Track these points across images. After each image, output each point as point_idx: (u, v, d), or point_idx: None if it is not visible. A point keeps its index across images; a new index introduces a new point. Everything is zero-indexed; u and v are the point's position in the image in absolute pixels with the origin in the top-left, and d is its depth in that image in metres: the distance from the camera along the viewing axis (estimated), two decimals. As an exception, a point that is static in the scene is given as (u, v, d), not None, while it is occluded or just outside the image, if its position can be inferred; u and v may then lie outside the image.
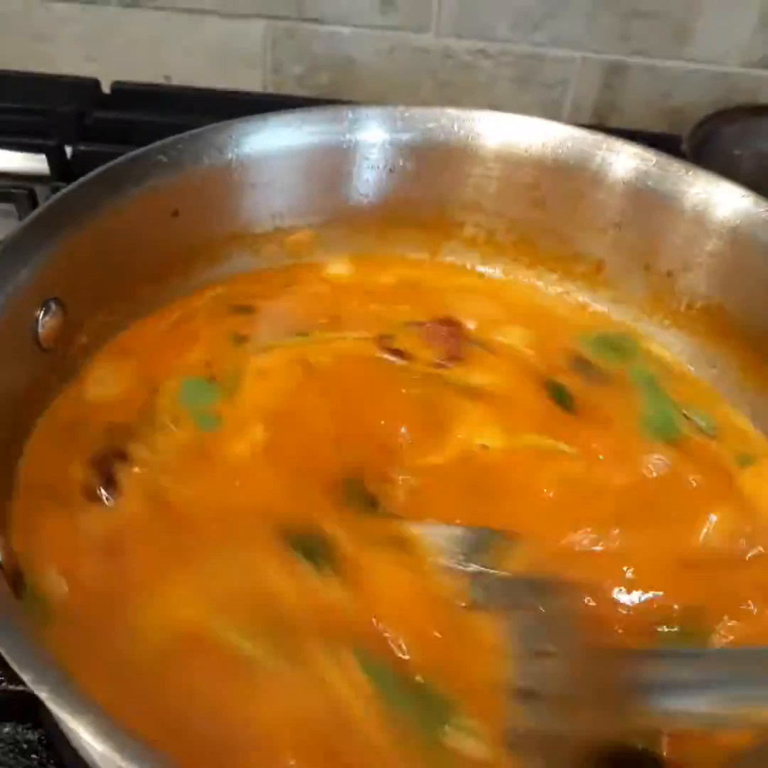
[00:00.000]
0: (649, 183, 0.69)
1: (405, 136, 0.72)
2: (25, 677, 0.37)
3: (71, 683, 0.38)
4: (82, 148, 1.00)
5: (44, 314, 0.58)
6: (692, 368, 0.72)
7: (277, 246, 0.74)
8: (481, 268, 0.78)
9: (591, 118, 1.20)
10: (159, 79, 1.17)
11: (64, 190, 0.61)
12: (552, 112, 1.19)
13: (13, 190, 0.93)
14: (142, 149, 0.65)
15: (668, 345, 0.73)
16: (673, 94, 1.18)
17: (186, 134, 0.66)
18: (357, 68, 1.17)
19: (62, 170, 0.99)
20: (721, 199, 0.67)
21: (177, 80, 1.18)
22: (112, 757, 0.35)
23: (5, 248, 0.57)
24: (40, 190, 0.95)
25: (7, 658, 0.38)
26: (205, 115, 0.72)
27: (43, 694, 0.36)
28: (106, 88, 1.12)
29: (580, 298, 0.76)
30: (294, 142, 0.70)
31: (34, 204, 0.93)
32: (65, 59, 1.17)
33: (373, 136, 0.72)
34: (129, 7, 1.13)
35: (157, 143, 0.65)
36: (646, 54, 1.15)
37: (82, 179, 0.62)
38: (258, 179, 0.70)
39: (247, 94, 1.14)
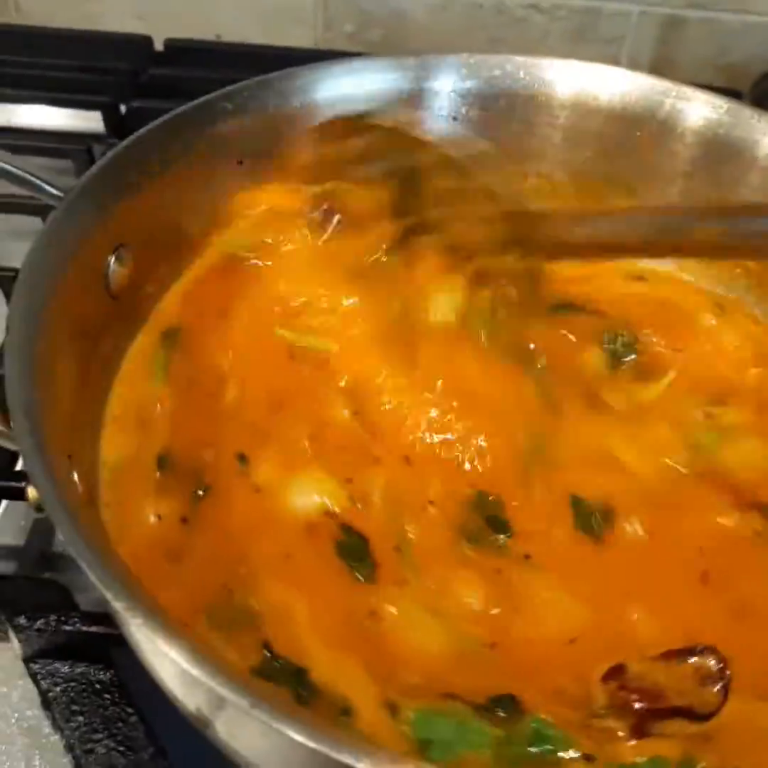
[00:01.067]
0: (720, 131, 0.68)
1: (469, 84, 0.71)
2: (117, 605, 0.38)
3: (162, 612, 0.38)
4: (136, 104, 1.00)
5: (115, 260, 0.59)
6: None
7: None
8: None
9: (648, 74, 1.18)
10: (209, 37, 1.17)
11: (130, 137, 0.61)
12: (608, 69, 1.17)
13: (70, 147, 0.94)
14: (207, 96, 0.64)
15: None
16: (731, 49, 1.16)
17: (251, 81, 0.66)
18: (408, 24, 1.16)
19: (117, 127, 0.99)
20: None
21: (228, 38, 1.18)
22: (205, 681, 0.36)
23: (77, 194, 0.57)
24: (96, 147, 0.95)
25: (100, 587, 0.38)
26: (257, 72, 0.71)
27: (137, 620, 0.37)
28: (158, 46, 1.12)
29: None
30: (358, 90, 0.69)
31: (91, 161, 0.93)
32: (114, 17, 1.17)
33: (438, 84, 0.71)
34: (179, -35, 1.13)
35: (223, 90, 0.65)
36: (704, 7, 1.13)
37: (148, 126, 0.62)
38: (322, 127, 0.69)
39: (299, 50, 1.13)
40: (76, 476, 0.49)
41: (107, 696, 0.57)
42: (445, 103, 0.72)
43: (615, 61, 1.16)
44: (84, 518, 0.43)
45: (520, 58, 0.70)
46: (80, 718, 0.56)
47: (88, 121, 0.99)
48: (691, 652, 0.49)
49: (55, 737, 0.56)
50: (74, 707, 0.56)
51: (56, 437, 0.47)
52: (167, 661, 0.42)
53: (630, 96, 0.70)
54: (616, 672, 0.49)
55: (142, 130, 0.62)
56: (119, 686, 0.57)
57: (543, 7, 1.14)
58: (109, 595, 0.38)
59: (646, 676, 0.48)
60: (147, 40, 1.12)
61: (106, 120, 0.99)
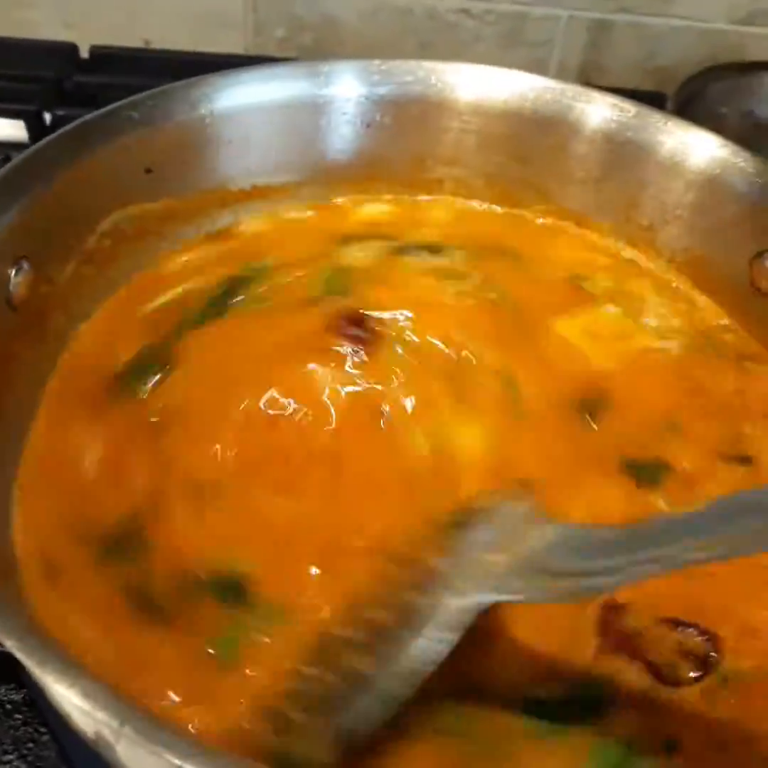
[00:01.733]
0: (629, 134, 0.69)
1: (381, 90, 0.71)
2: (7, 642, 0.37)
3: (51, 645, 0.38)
4: (61, 113, 0.98)
5: (16, 274, 0.58)
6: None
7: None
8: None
9: (577, 78, 1.19)
10: (138, 44, 1.16)
11: (33, 147, 0.61)
12: (537, 73, 1.15)
13: (-10, 156, 0.92)
14: (113, 105, 0.64)
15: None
16: (658, 53, 1.17)
17: (157, 90, 0.65)
18: (340, 29, 1.16)
19: (40, 136, 0.96)
20: (700, 149, 0.66)
21: (157, 44, 1.17)
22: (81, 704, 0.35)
23: (-26, 206, 0.56)
24: (15, 156, 0.94)
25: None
26: (185, 79, 0.71)
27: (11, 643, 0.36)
28: (84, 53, 1.11)
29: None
30: (268, 97, 0.69)
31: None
32: (43, 25, 1.15)
33: (349, 90, 0.71)
34: (107, -29, 1.12)
35: (128, 99, 0.64)
36: (631, 11, 1.14)
37: (51, 136, 0.61)
38: (233, 135, 0.69)
39: (228, 56, 1.12)
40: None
41: (18, 716, 0.56)
42: (357, 109, 0.72)
43: (544, 65, 1.17)
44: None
45: (429, 64, 0.70)
46: (-9, 739, 0.55)
47: (11, 129, 0.98)
48: (689, 625, 0.51)
49: (-36, 760, 0.55)
50: (-16, 728, 0.56)
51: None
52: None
53: (540, 100, 0.70)
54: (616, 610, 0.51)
55: (42, 141, 0.61)
56: (30, 706, 0.56)
57: (473, 13, 1.15)
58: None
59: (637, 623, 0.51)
60: (72, 48, 1.10)
61: (30, 129, 0.98)
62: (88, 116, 0.63)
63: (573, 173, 0.72)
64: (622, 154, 0.69)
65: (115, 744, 0.43)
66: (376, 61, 0.70)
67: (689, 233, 0.69)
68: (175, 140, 0.66)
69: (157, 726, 0.35)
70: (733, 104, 1.09)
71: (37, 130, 0.98)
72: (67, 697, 0.36)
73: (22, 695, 0.57)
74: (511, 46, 1.17)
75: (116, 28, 1.15)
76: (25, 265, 0.58)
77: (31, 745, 0.55)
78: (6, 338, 0.57)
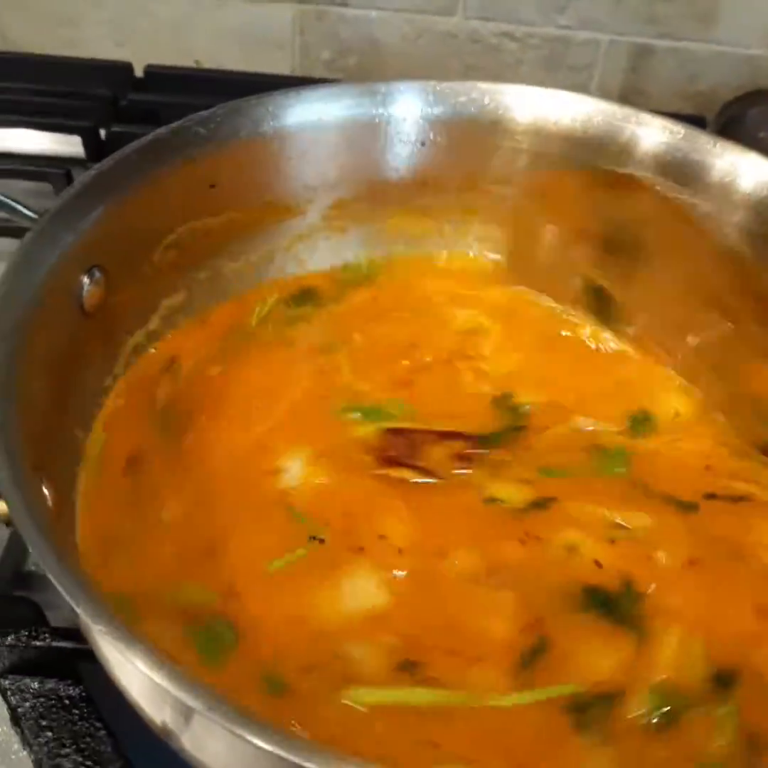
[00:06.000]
0: (678, 155, 0.70)
1: (436, 110, 0.73)
2: (80, 611, 0.39)
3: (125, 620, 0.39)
4: (116, 129, 1.02)
5: (89, 280, 0.60)
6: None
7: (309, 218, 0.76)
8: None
9: (617, 101, 1.19)
10: (188, 64, 1.19)
11: (106, 160, 0.63)
12: (578, 96, 1.20)
13: (50, 171, 0.95)
14: (181, 121, 0.66)
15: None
16: (698, 77, 1.19)
17: (224, 107, 0.68)
18: (384, 52, 1.18)
19: (96, 152, 1.01)
20: (749, 171, 0.68)
21: (207, 64, 1.20)
22: (166, 686, 0.37)
23: (52, 216, 0.58)
24: (75, 171, 0.97)
25: (66, 595, 0.39)
26: (235, 98, 0.73)
27: (100, 628, 0.38)
28: (138, 72, 1.14)
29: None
30: (328, 116, 0.71)
31: (71, 183, 0.94)
32: (95, 44, 1.19)
33: (405, 110, 0.73)
34: (158, -9, 1.15)
35: (196, 115, 0.66)
36: (671, 37, 1.15)
37: (124, 149, 0.64)
38: (293, 152, 0.71)
39: (276, 77, 1.15)
40: (46, 491, 0.51)
41: (76, 711, 0.57)
42: (413, 128, 0.74)
43: (585, 89, 1.19)
44: (52, 532, 0.44)
45: (484, 85, 0.72)
46: (49, 734, 0.56)
47: (68, 145, 1.01)
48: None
49: (24, 754, 0.56)
50: (43, 723, 0.57)
51: (29, 453, 0.48)
52: (131, 671, 0.43)
53: (591, 121, 0.72)
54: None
55: (117, 154, 0.63)
56: (88, 701, 0.58)
57: (516, 36, 1.17)
58: (71, 601, 0.39)
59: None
60: (127, 67, 1.14)
61: (86, 144, 1.01)
62: (158, 131, 0.65)
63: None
64: (670, 174, 0.71)
65: (184, 731, 0.44)
66: (432, 82, 0.72)
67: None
68: (239, 156, 0.69)
69: (242, 711, 0.37)
70: (771, 129, 1.10)
71: (93, 146, 1.01)
72: (149, 678, 0.37)
73: (79, 690, 0.58)
74: (552, 70, 1.19)
75: (168, 47, 1.18)
76: (98, 274, 0.61)
77: (88, 739, 0.56)
78: (79, 342, 0.60)
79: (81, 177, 0.61)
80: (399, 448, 0.64)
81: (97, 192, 0.61)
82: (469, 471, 0.63)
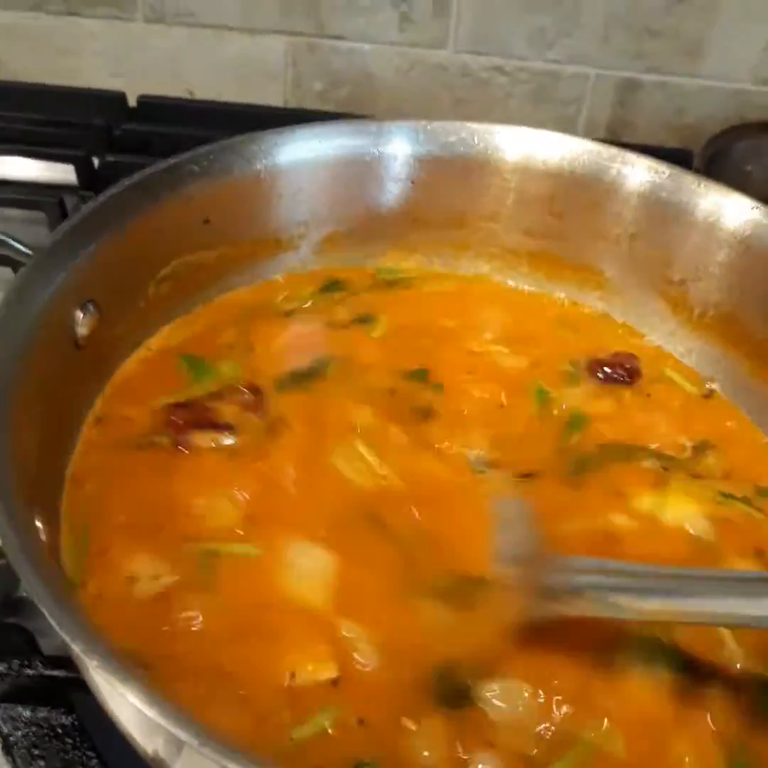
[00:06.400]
0: (663, 195, 0.72)
1: (427, 149, 0.74)
2: (75, 647, 0.39)
3: (117, 655, 0.40)
4: (109, 159, 1.03)
5: (83, 314, 0.61)
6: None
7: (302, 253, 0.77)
8: (497, 277, 0.80)
9: (605, 134, 1.22)
10: (182, 94, 1.21)
11: (100, 197, 0.64)
12: (567, 129, 1.19)
13: (42, 199, 0.96)
14: (175, 158, 0.67)
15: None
16: (685, 111, 1.21)
17: (217, 145, 0.69)
18: (376, 84, 1.20)
19: (89, 180, 1.02)
20: (732, 210, 0.69)
21: (200, 95, 1.21)
22: (158, 721, 0.37)
23: (47, 252, 0.59)
24: (68, 199, 0.98)
25: (59, 630, 0.40)
26: (228, 129, 0.74)
27: (94, 662, 0.38)
28: (132, 102, 1.15)
29: (596, 307, 0.78)
30: (321, 154, 0.72)
31: (63, 212, 0.95)
32: (90, 74, 1.20)
33: (397, 149, 0.74)
34: (152, 23, 1.16)
35: (190, 153, 0.68)
36: (658, 71, 1.17)
37: (117, 186, 0.65)
38: (285, 189, 0.72)
39: (269, 108, 1.17)
40: (39, 524, 0.51)
41: (69, 740, 0.58)
42: (404, 167, 0.75)
43: (573, 122, 1.21)
44: (45, 565, 0.45)
45: (474, 125, 0.73)
46: (41, 763, 0.56)
47: (61, 173, 1.02)
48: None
49: (16, 782, 0.56)
50: (35, 751, 0.57)
51: (22, 486, 0.49)
52: (124, 703, 0.43)
53: (578, 160, 0.73)
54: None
55: (111, 189, 0.64)
56: (80, 730, 0.58)
57: (505, 70, 1.19)
58: (67, 638, 0.39)
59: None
60: (121, 96, 1.15)
61: (79, 173, 1.02)
62: (151, 168, 0.66)
63: (608, 231, 0.75)
64: (656, 214, 0.72)
65: (175, 761, 0.45)
66: (423, 122, 0.74)
67: (720, 290, 0.72)
68: (233, 193, 0.70)
69: (233, 746, 0.37)
70: (758, 162, 1.12)
71: (86, 174, 1.02)
72: (142, 712, 0.38)
73: (72, 719, 0.58)
74: (541, 103, 1.21)
75: (162, 78, 1.20)
76: (92, 308, 0.62)
77: (79, 768, 0.57)
78: (70, 379, 0.60)
79: (76, 212, 0.62)
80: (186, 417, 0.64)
81: (91, 227, 0.62)
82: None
